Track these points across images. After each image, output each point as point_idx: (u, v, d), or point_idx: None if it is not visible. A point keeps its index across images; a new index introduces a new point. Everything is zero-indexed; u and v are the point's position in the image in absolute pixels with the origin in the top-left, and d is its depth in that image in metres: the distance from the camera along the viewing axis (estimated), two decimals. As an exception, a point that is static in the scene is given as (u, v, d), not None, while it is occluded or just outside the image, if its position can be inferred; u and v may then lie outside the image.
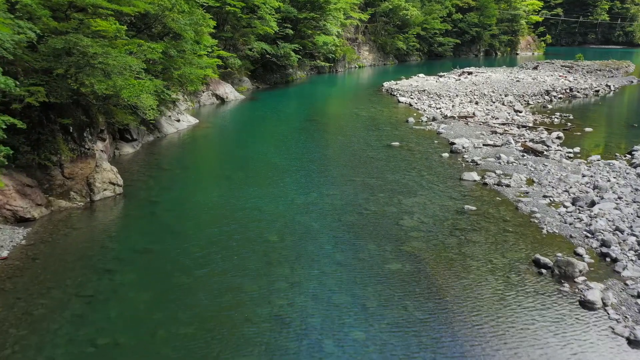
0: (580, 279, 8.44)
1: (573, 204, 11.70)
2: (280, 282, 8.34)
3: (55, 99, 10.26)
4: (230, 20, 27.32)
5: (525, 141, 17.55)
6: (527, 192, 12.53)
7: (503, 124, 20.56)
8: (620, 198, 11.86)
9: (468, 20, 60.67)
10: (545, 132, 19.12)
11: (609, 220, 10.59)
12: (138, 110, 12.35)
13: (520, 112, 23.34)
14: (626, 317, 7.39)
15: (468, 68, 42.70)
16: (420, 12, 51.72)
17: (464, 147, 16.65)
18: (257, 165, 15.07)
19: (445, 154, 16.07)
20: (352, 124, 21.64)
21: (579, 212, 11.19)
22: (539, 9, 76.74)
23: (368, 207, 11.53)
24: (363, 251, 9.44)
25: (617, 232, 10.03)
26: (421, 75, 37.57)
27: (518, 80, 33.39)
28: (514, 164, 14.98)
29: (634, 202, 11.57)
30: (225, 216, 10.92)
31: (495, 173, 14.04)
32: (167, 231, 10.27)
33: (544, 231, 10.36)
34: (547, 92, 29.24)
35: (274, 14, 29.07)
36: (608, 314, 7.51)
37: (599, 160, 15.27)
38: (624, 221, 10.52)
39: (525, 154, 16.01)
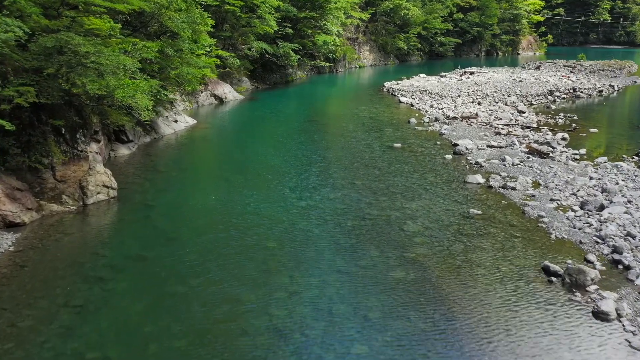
0: (592, 287, 8.08)
1: (581, 207, 11.34)
2: (279, 291, 7.97)
3: (46, 100, 9.91)
4: (229, 19, 26.96)
5: (530, 142, 17.18)
6: (534, 196, 12.17)
7: (506, 125, 20.20)
8: (630, 202, 11.49)
9: (469, 20, 60.29)
10: (550, 133, 18.76)
11: (620, 225, 10.23)
12: (133, 111, 11.98)
13: (524, 112, 22.98)
14: (643, 329, 7.04)
15: (470, 68, 42.33)
16: (421, 11, 51.32)
17: (467, 149, 16.29)
18: (256, 167, 14.71)
19: (449, 156, 15.71)
20: (352, 125, 21.27)
21: (588, 217, 10.82)
22: (541, 8, 76.35)
23: (370, 212, 11.17)
24: (365, 258, 9.08)
25: (628, 237, 9.67)
26: (422, 75, 37.21)
27: (521, 80, 33.03)
28: (519, 166, 14.62)
29: (645, 206, 11.22)
30: (222, 221, 10.55)
31: (500, 175, 13.68)
32: (162, 237, 9.90)
33: (553, 236, 10.00)
34: (551, 92, 28.87)
35: (273, 13, 28.70)
36: (623, 325, 7.15)
37: (606, 162, 14.91)
38: (635, 226, 10.15)
39: (530, 156, 15.64)
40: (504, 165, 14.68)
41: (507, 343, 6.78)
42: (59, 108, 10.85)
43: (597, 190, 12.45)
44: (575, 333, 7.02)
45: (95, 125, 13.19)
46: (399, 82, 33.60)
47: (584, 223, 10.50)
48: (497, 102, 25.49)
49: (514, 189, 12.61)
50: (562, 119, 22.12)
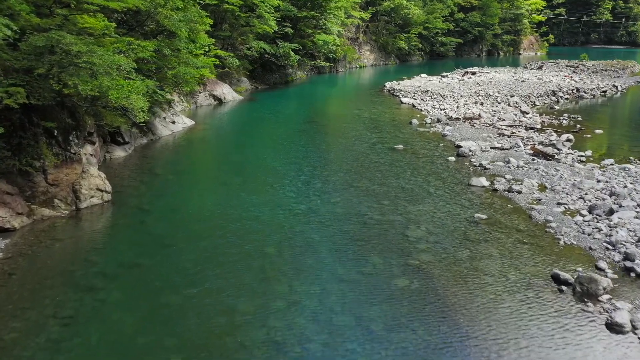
0: (604, 297, 7.74)
1: (590, 212, 10.99)
2: (277, 301, 7.63)
3: (37, 101, 9.57)
4: (228, 18, 26.61)
5: (535, 144, 16.85)
6: (540, 199, 11.83)
7: (510, 126, 19.85)
8: (639, 206, 11.15)
9: (470, 20, 59.94)
10: (555, 135, 18.42)
11: (630, 231, 9.88)
12: (128, 112, 11.63)
13: (527, 113, 22.64)
14: (660, 343, 6.70)
15: (471, 68, 41.99)
16: (422, 11, 50.97)
17: (470, 151, 15.95)
18: (255, 170, 14.37)
19: (452, 158, 15.36)
20: (353, 126, 20.93)
21: (597, 222, 10.48)
22: (542, 8, 75.97)
23: (372, 216, 10.83)
24: (367, 265, 8.74)
25: (640, 244, 9.33)
26: (423, 75, 36.87)
27: (523, 81, 32.67)
28: (524, 168, 14.27)
29: (656, 210, 10.87)
30: (220, 227, 10.20)
31: (505, 178, 13.34)
32: (157, 243, 9.56)
33: (561, 242, 9.66)
34: (554, 93, 28.53)
35: (273, 13, 28.34)
36: (639, 338, 6.81)
37: (613, 165, 14.57)
38: (646, 232, 9.81)
39: (535, 158, 15.30)
40: (509, 167, 14.33)
41: (517, 357, 6.44)
42: (51, 109, 10.51)
43: (605, 193, 12.10)
44: (588, 346, 6.69)
45: (90, 126, 12.86)
46: (400, 82, 33.26)
47: (593, 228, 10.15)
48: (499, 103, 25.14)
49: (519, 192, 12.26)
50: (566, 119, 21.77)
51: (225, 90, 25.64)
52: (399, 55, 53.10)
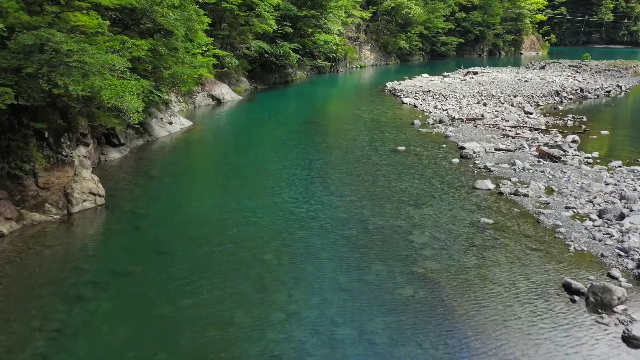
0: (619, 307, 7.37)
1: (600, 216, 10.62)
2: (276, 312, 7.26)
3: (26, 101, 9.20)
4: (227, 17, 26.23)
5: (540, 145, 16.48)
6: (548, 203, 11.45)
7: (514, 127, 19.48)
8: (651, 210, 10.78)
9: (471, 19, 59.55)
10: (560, 136, 18.04)
11: (643, 237, 9.51)
12: (122, 113, 11.26)
13: (531, 113, 22.26)
14: (681, 358, 6.32)
15: (473, 68, 41.63)
16: (423, 10, 50.57)
17: (474, 152, 15.57)
18: (254, 172, 13.98)
19: (455, 160, 14.99)
20: (354, 127, 20.56)
21: (608, 227, 10.11)
22: (544, 7, 75.55)
23: (374, 221, 10.45)
24: (370, 273, 8.37)
25: (654, 250, 8.95)
26: (425, 75, 36.50)
27: (526, 81, 32.29)
28: (530, 170, 13.89)
29: (668, 215, 10.50)
30: (217, 232, 9.82)
31: (510, 181, 12.96)
32: (151, 250, 9.19)
33: (571, 249, 9.28)
34: (557, 93, 28.15)
35: (272, 12, 27.96)
36: (658, 353, 6.44)
37: (621, 167, 14.20)
38: (660, 238, 9.43)
39: (541, 160, 14.93)
40: (514, 169, 13.95)
41: (531, 374, 6.07)
42: (41, 110, 10.15)
43: (614, 197, 11.73)
44: (605, 362, 6.32)
45: (84, 128, 12.50)
46: (401, 82, 32.88)
47: (604, 234, 9.78)
48: (503, 103, 24.77)
49: (526, 195, 11.89)
50: (570, 120, 21.40)
51: (224, 91, 25.26)
52: (399, 55, 52.73)
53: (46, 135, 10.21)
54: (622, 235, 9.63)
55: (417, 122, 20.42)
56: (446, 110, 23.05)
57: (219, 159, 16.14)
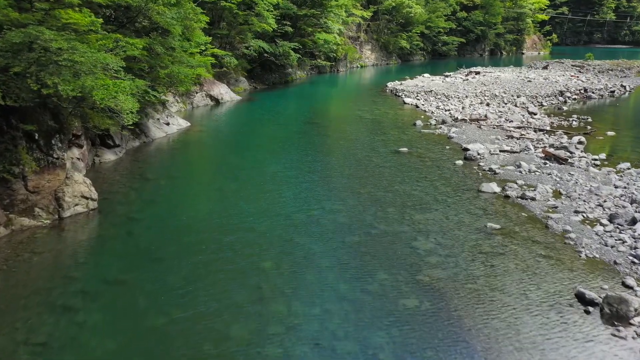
0: (637, 320, 6.99)
1: (611, 221, 10.24)
2: (274, 324, 6.88)
3: (14, 102, 8.81)
4: (226, 16, 25.85)
5: (545, 147, 16.09)
6: (556, 207, 11.07)
7: (519, 128, 19.10)
8: (663, 214, 10.39)
9: (473, 19, 59.15)
10: (565, 137, 17.65)
11: (657, 243, 9.14)
12: (115, 114, 10.87)
13: (535, 114, 21.88)
14: None
15: (475, 68, 41.25)
16: (424, 10, 50.16)
17: (478, 154, 15.18)
18: (253, 174, 13.59)
19: (459, 161, 14.61)
20: (355, 128, 20.17)
21: (620, 232, 9.73)
22: (545, 7, 75.10)
23: (376, 226, 10.07)
24: (372, 282, 7.99)
25: (669, 258, 8.58)
26: (426, 75, 36.11)
27: (529, 80, 31.89)
28: (537, 173, 13.51)
29: (682, 220, 10.11)
30: (214, 239, 9.43)
31: (516, 184, 12.58)
32: (145, 257, 8.80)
33: (583, 255, 8.91)
34: (561, 93, 27.76)
35: (272, 11, 27.55)
36: (680, 370, 6.06)
37: (629, 169, 13.82)
38: (675, 244, 9.06)
39: (547, 162, 14.54)
40: (520, 172, 13.57)
41: (545, 393, 5.69)
42: (31, 111, 9.76)
43: (624, 200, 11.36)
44: (624, 380, 5.94)
45: (77, 129, 12.12)
46: (403, 82, 32.50)
47: (616, 240, 9.40)
48: (506, 103, 24.38)
49: (533, 199, 11.51)
50: (575, 121, 21.01)
51: (222, 91, 24.88)
52: (400, 55, 52.34)
53: (36, 137, 9.82)
54: (635, 242, 9.26)
55: (419, 122, 20.04)
56: (449, 110, 22.67)
57: (217, 160, 15.75)
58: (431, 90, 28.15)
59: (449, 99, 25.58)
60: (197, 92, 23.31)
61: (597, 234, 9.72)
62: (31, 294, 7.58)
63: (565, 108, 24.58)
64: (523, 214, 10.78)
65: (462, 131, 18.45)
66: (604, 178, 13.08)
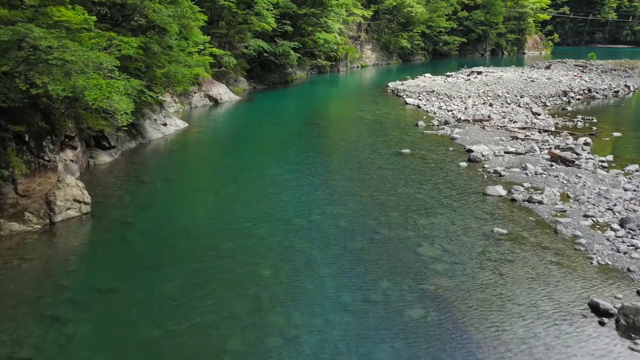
0: (654, 332, 6.63)
1: (622, 226, 9.88)
2: (272, 337, 6.53)
3: (3, 103, 8.47)
4: (225, 15, 25.50)
5: (551, 148, 15.73)
6: (564, 211, 10.72)
7: (523, 128, 18.74)
8: (676, 219, 10.04)
9: (474, 19, 58.77)
10: (571, 138, 17.29)
11: (671, 249, 8.78)
12: (108, 115, 10.51)
13: (539, 114, 21.52)
14: None
15: (477, 67, 40.90)
16: (425, 9, 49.78)
17: (483, 155, 14.82)
18: (251, 177, 13.24)
19: (463, 163, 14.26)
20: (356, 128, 19.82)
21: (632, 237, 9.38)
22: (547, 6, 74.69)
23: (379, 231, 9.72)
24: (376, 291, 7.64)
25: (685, 265, 8.22)
26: (427, 75, 35.76)
27: (532, 80, 31.52)
28: (543, 175, 13.15)
29: (696, 224, 9.76)
30: (211, 245, 9.07)
31: (523, 186, 12.22)
32: (139, 264, 8.46)
33: (594, 262, 8.55)
34: (565, 93, 27.39)
35: (272, 10, 27.20)
36: None
37: (638, 171, 13.46)
38: (690, 250, 8.70)
39: (553, 164, 14.18)
40: (526, 174, 13.21)
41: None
42: (21, 112, 9.41)
43: (635, 204, 11.00)
44: (645, 398, 5.59)
45: (71, 130, 11.78)
46: (404, 82, 32.14)
47: (628, 246, 9.05)
48: (509, 104, 24.02)
49: (540, 202, 11.15)
50: (580, 121, 20.65)
51: (221, 91, 24.52)
52: (401, 55, 51.99)
53: (26, 139, 9.47)
54: (648, 248, 8.90)
55: (421, 123, 19.68)
56: (451, 111, 22.31)
57: (215, 162, 15.40)
58: (433, 91, 27.80)
59: (451, 99, 25.23)
60: (195, 92, 22.96)
61: (608, 239, 9.37)
62: (18, 304, 7.23)
63: (569, 108, 24.22)
64: (531, 218, 10.43)
65: (466, 132, 18.10)
66: (613, 180, 12.72)
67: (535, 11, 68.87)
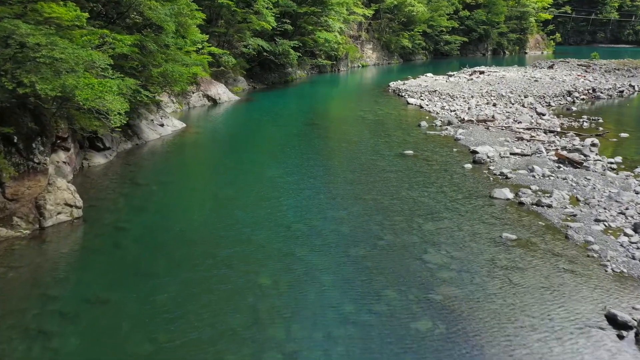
0: (677, 347, 6.24)
1: (636, 231, 9.50)
2: (271, 351, 6.15)
3: (-11, 103, 8.08)
4: (224, 14, 25.11)
5: (558, 149, 15.34)
6: (575, 215, 10.33)
7: (528, 129, 18.34)
8: (692, 224, 9.64)
9: (475, 18, 58.35)
10: (577, 139, 16.90)
11: (689, 256, 8.39)
12: (101, 115, 10.13)
13: (544, 114, 21.13)
14: None
15: (479, 67, 40.50)
16: (426, 8, 49.31)
17: (488, 157, 14.43)
18: (250, 180, 12.84)
19: (468, 165, 13.86)
20: (358, 129, 19.42)
21: (647, 244, 8.98)
22: (548, 6, 74.24)
23: (383, 236, 9.33)
24: (380, 302, 7.25)
25: None
26: (429, 74, 35.35)
27: (536, 80, 31.13)
28: (551, 177, 12.76)
29: None
30: (207, 253, 8.66)
31: (530, 189, 11.83)
32: (132, 273, 8.06)
33: (609, 270, 8.17)
34: (569, 93, 27.00)
35: (271, 8, 26.79)
36: None
37: (649, 173, 13.08)
38: None
39: (561, 165, 13.79)
40: (533, 176, 12.82)
41: None
42: (9, 112, 9.02)
43: (648, 208, 10.61)
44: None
45: (63, 131, 11.40)
46: (405, 81, 31.75)
47: (643, 252, 8.65)
48: (513, 104, 23.62)
49: (549, 206, 10.76)
50: (586, 121, 20.27)
51: (220, 90, 24.13)
52: (402, 54, 51.58)
53: (15, 140, 9.08)
54: (665, 255, 8.51)
55: (424, 123, 19.29)
56: (454, 111, 21.91)
57: (212, 164, 15.00)
58: (435, 90, 27.40)
59: (454, 99, 24.83)
60: (193, 92, 22.56)
61: (622, 245, 8.98)
62: (3, 316, 6.84)
63: (574, 108, 23.83)
64: (540, 222, 10.04)
65: (470, 132, 17.70)
66: (623, 183, 12.34)
67: (537, 10, 68.45)
